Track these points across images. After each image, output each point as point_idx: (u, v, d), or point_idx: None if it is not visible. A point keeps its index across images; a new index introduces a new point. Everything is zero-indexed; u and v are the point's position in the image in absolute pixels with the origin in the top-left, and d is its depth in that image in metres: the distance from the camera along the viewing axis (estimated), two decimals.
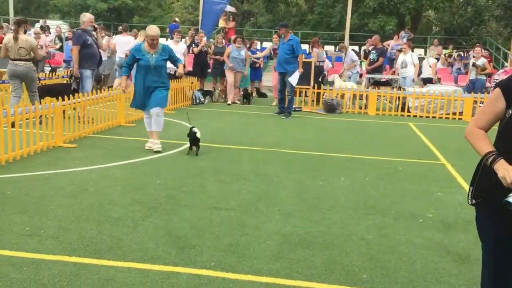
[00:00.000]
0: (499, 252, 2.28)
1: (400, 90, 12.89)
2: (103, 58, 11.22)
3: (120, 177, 5.71)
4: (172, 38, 13.54)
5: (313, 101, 13.03)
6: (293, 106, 11.79)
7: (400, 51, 14.66)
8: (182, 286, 3.21)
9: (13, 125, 6.34)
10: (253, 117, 11.12)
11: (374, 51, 14.21)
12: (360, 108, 13.02)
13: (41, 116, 7.20)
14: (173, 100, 11.73)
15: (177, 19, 24.15)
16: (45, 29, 20.17)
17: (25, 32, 8.82)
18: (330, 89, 12.92)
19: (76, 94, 8.02)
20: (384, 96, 12.96)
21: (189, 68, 13.97)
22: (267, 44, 20.36)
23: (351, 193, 5.49)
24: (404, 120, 11.84)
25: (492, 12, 25.71)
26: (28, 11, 34.56)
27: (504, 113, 2.24)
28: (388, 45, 18.60)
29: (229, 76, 13.12)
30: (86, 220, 4.29)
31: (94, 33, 9.17)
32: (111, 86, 11.90)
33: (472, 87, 13.47)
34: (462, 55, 19.61)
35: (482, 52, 14.58)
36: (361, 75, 15.82)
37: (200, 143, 7.00)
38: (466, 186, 5.92)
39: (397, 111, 12.71)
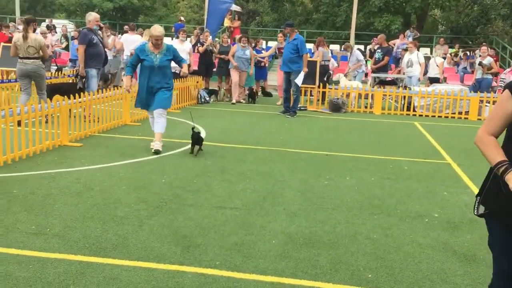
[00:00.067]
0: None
1: (405, 89, 12.85)
2: (109, 57, 11.26)
3: (125, 176, 5.72)
4: (177, 37, 13.55)
5: (318, 100, 13.01)
6: (298, 106, 11.77)
7: (406, 50, 14.61)
8: (187, 285, 3.22)
9: (19, 124, 6.37)
10: (258, 117, 11.12)
11: (379, 50, 14.17)
12: (366, 107, 12.99)
13: (47, 115, 7.22)
14: (179, 99, 11.75)
15: (182, 18, 24.18)
16: (51, 28, 20.23)
17: (34, 31, 8.88)
18: (335, 88, 12.89)
19: (81, 93, 8.04)
20: (389, 95, 12.92)
21: (195, 67, 13.97)
22: (272, 43, 20.37)
23: (356, 192, 5.48)
24: (409, 120, 11.80)
25: (498, 11, 25.58)
26: (34, 11, 34.73)
27: None
28: (394, 44, 18.55)
29: (234, 76, 13.11)
30: (92, 219, 4.30)
31: (100, 32, 9.19)
32: (117, 86, 11.92)
33: (478, 86, 13.42)
34: (468, 54, 19.53)
35: (488, 51, 14.51)
36: (366, 74, 15.78)
37: (206, 142, 7.00)
38: (472, 186, 5.90)
39: (403, 111, 12.67)
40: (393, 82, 14.15)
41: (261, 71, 14.53)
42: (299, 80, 11.08)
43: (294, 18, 27.96)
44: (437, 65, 14.74)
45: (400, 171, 6.57)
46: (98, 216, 4.38)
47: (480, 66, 13.51)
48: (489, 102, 12.37)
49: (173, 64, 7.40)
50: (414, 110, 12.62)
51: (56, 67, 14.47)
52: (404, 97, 12.67)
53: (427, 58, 15.98)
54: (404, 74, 13.97)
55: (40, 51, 8.50)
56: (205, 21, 18.56)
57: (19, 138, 6.27)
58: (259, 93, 14.69)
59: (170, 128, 8.59)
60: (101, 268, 3.39)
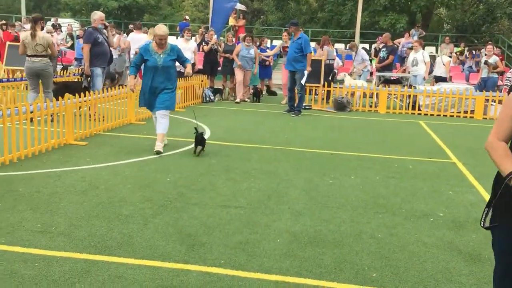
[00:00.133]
0: None
1: (411, 88, 12.81)
2: (114, 56, 11.28)
3: (130, 174, 5.73)
4: (182, 36, 13.57)
5: (323, 99, 12.99)
6: (303, 104, 11.76)
7: (411, 49, 14.57)
8: (192, 284, 3.22)
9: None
10: (263, 115, 11.12)
11: (384, 49, 14.13)
12: (371, 106, 12.96)
13: (52, 114, 7.25)
14: (183, 98, 11.77)
15: (187, 17, 24.22)
16: (56, 27, 20.31)
17: (42, 29, 8.94)
18: (340, 87, 12.87)
19: (87, 92, 8.07)
20: (394, 94, 12.88)
21: (199, 66, 14.00)
22: (277, 42, 20.36)
23: (361, 191, 5.47)
24: (414, 119, 11.77)
25: (504, 9, 25.46)
26: (40, 10, 34.83)
27: None
28: (399, 43, 18.50)
29: (238, 75, 13.11)
30: (97, 217, 4.31)
31: (105, 31, 9.22)
32: (122, 85, 11.95)
33: (484, 85, 13.36)
34: (474, 53, 19.46)
35: (494, 50, 14.44)
36: (371, 73, 15.75)
37: (210, 141, 7.00)
38: (478, 185, 5.88)
39: (408, 109, 12.64)
40: (398, 81, 14.11)
41: (266, 70, 14.52)
42: (303, 79, 11.07)
43: (299, 17, 27.93)
44: (443, 64, 14.69)
45: (405, 170, 6.55)
46: (103, 214, 4.40)
47: (485, 65, 13.46)
48: (494, 101, 12.32)
49: (177, 63, 7.38)
50: (419, 109, 12.58)
51: (61, 66, 14.52)
52: (409, 96, 12.63)
53: (433, 57, 15.93)
54: (409, 73, 13.93)
55: (48, 49, 8.57)
56: (210, 20, 18.56)
57: (24, 136, 6.30)
58: (264, 92, 14.68)
59: (175, 127, 8.61)
60: (106, 267, 3.40)
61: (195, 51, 13.14)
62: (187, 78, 10.99)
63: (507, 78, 13.12)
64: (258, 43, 14.78)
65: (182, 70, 10.25)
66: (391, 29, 22.87)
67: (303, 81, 11.09)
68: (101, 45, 8.96)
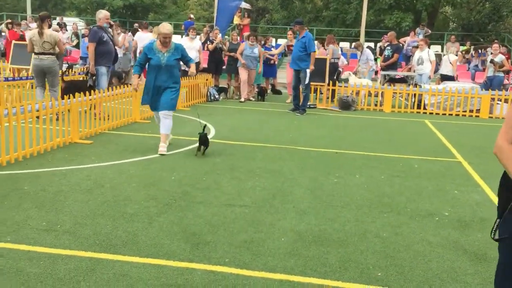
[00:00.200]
0: None
1: (416, 87, 12.77)
2: (119, 55, 11.30)
3: (135, 173, 5.74)
4: (187, 35, 13.59)
5: (328, 98, 12.97)
6: (308, 103, 11.75)
7: (416, 47, 14.52)
8: (197, 282, 3.22)
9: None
10: (267, 114, 11.11)
11: (389, 48, 14.10)
12: (376, 105, 12.93)
13: (57, 112, 7.27)
14: (188, 97, 11.78)
15: (192, 16, 24.22)
16: (61, 26, 20.37)
17: (49, 27, 9.00)
18: (345, 86, 12.85)
19: (92, 91, 8.10)
20: (400, 93, 12.84)
21: (204, 65, 14.01)
22: (282, 41, 20.34)
23: (366, 190, 5.46)
24: (420, 118, 11.73)
25: (510, 7, 25.35)
26: (45, 8, 34.92)
27: None
28: (404, 42, 18.44)
29: (242, 74, 13.10)
30: (102, 216, 4.32)
31: (110, 30, 9.23)
32: (127, 83, 11.98)
33: (490, 84, 13.30)
34: (480, 51, 19.38)
35: (500, 49, 14.37)
36: (376, 72, 15.71)
37: (215, 140, 6.98)
38: (483, 184, 5.85)
39: (413, 108, 12.59)
40: (404, 80, 14.07)
41: (270, 69, 14.51)
42: (306, 78, 11.04)
43: (303, 16, 27.90)
44: (450, 63, 14.63)
45: (410, 169, 6.53)
46: (108, 213, 4.41)
47: (491, 64, 13.39)
48: (500, 100, 12.26)
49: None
50: (424, 108, 12.54)
51: (67, 65, 14.57)
52: (415, 95, 12.59)
53: (438, 56, 15.86)
54: (414, 71, 13.89)
55: (56, 47, 8.64)
56: (215, 19, 18.57)
57: (30, 135, 6.32)
58: (269, 91, 14.67)
59: (179, 126, 8.62)
60: (111, 265, 3.41)
61: (200, 50, 13.15)
62: (192, 77, 10.99)
63: None
64: (263, 42, 14.77)
65: (186, 69, 10.27)
66: (396, 28, 22.81)
67: (306, 80, 11.06)
68: (106, 44, 8.98)
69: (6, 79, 9.98)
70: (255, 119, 10.32)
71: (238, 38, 14.52)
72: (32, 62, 8.70)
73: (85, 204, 4.62)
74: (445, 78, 14.54)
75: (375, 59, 15.93)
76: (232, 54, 13.56)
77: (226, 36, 17.53)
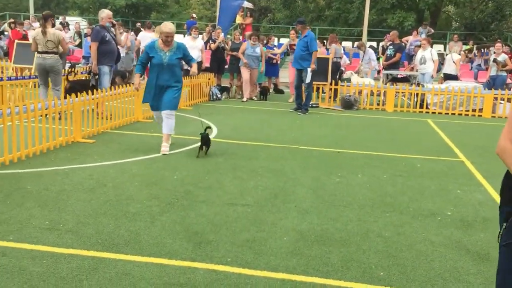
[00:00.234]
0: None
1: (418, 86, 12.75)
2: (121, 55, 11.31)
3: (137, 172, 5.75)
4: (189, 35, 13.59)
5: (330, 97, 12.95)
6: (310, 103, 11.74)
7: (419, 47, 14.49)
8: (199, 281, 3.23)
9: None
10: (269, 114, 11.11)
11: (391, 47, 14.08)
12: (378, 104, 12.91)
13: (60, 111, 7.29)
14: (190, 96, 11.79)
15: (194, 15, 24.24)
16: (64, 25, 20.40)
17: (53, 26, 9.04)
18: (347, 86, 12.83)
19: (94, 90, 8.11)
20: (402, 92, 12.83)
21: (206, 64, 14.01)
22: (284, 40, 20.31)
23: (368, 190, 5.45)
24: (422, 117, 11.71)
25: None
26: (48, 8, 34.96)
27: None
28: (407, 41, 18.41)
29: (244, 73, 13.10)
30: (104, 215, 4.33)
31: (112, 29, 9.24)
32: (129, 83, 11.99)
33: (493, 83, 13.27)
34: (483, 51, 19.33)
35: (503, 48, 14.34)
36: (379, 72, 15.70)
37: (217, 139, 6.98)
38: (486, 184, 5.84)
39: (416, 108, 12.57)
40: (406, 79, 14.04)
41: (273, 68, 14.50)
42: (307, 77, 11.03)
43: (306, 15, 27.88)
44: (453, 62, 14.59)
45: (413, 168, 6.52)
46: (111, 212, 4.41)
47: (494, 63, 13.36)
48: (503, 100, 12.23)
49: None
50: (427, 108, 12.52)
51: (69, 64, 14.59)
52: (417, 94, 12.57)
53: (441, 55, 15.83)
54: (417, 71, 13.86)
55: (59, 46, 8.67)
56: (217, 18, 18.58)
57: (33, 134, 6.33)
58: (271, 90, 14.67)
59: (182, 125, 8.63)
60: (114, 264, 3.41)
61: (202, 49, 13.16)
62: (194, 76, 11.00)
63: None
64: (265, 41, 14.76)
65: (188, 68, 10.28)
66: (399, 27, 22.77)
67: (307, 80, 11.04)
68: (109, 43, 8.99)
69: (9, 78, 9.99)
70: (257, 118, 10.32)
71: (241, 37, 14.51)
72: (36, 61, 8.76)
73: (87, 203, 4.62)
74: (448, 77, 14.50)
75: (378, 59, 15.91)
76: (234, 53, 13.56)
77: (228, 36, 17.54)
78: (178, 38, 11.36)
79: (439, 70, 14.60)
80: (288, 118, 10.59)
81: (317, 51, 11.26)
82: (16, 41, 13.75)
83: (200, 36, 14.84)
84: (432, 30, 21.57)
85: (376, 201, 5.08)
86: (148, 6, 31.15)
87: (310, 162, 6.61)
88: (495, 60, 13.35)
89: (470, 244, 4.06)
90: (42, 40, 8.56)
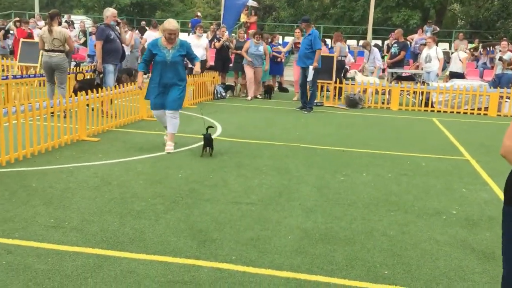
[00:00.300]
0: None
1: (424, 85, 12.71)
2: (126, 53, 11.33)
3: (142, 170, 5.76)
4: (194, 33, 13.60)
5: (335, 96, 12.93)
6: (315, 101, 11.72)
7: (424, 45, 14.44)
8: (203, 279, 3.23)
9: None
10: (274, 112, 11.10)
11: (396, 45, 14.03)
12: (383, 103, 12.88)
13: (65, 110, 7.31)
14: (195, 95, 11.79)
15: (199, 13, 24.25)
16: (69, 24, 20.45)
17: (59, 24, 9.07)
18: (352, 84, 12.80)
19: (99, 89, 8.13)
20: (407, 91, 12.79)
21: (211, 62, 14.01)
22: (289, 39, 20.30)
23: (373, 188, 5.44)
24: (427, 116, 11.67)
25: None
26: (53, 6, 35.07)
27: None
28: (412, 39, 18.35)
29: (248, 72, 13.09)
30: (109, 213, 4.34)
31: (117, 28, 9.26)
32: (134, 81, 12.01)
33: (498, 82, 13.21)
34: (488, 49, 19.24)
35: (508, 46, 14.26)
36: (383, 70, 15.66)
37: (222, 138, 6.97)
38: (491, 183, 5.82)
39: (421, 106, 12.53)
40: (411, 78, 14.00)
41: (277, 66, 14.47)
42: (309, 75, 10.99)
43: (311, 13, 27.84)
44: (460, 60, 14.53)
45: (418, 167, 6.50)
46: (116, 210, 4.42)
47: (500, 61, 13.30)
48: (509, 98, 12.18)
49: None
50: (432, 106, 12.47)
51: (74, 63, 14.64)
52: (422, 92, 12.53)
53: (446, 53, 15.77)
54: (422, 69, 13.82)
55: (65, 44, 8.73)
56: (222, 17, 18.58)
57: (38, 132, 6.35)
58: (276, 89, 14.65)
59: (186, 123, 8.64)
60: (118, 262, 3.42)
61: (207, 47, 13.16)
62: (198, 75, 11.00)
63: None
64: (269, 40, 14.74)
65: (193, 67, 10.28)
66: (404, 25, 22.71)
67: (309, 78, 11.01)
68: (114, 42, 9.00)
69: (14, 77, 10.03)
70: (262, 117, 10.31)
71: (245, 36, 14.50)
72: (42, 59, 8.84)
73: (92, 201, 4.64)
74: (454, 75, 14.45)
75: (382, 57, 15.86)
76: (239, 52, 13.55)
77: (233, 34, 17.53)
78: (183, 37, 11.37)
79: (444, 68, 14.53)
80: (293, 116, 10.58)
81: (320, 49, 11.22)
82: (21, 39, 13.79)
83: (205, 34, 14.84)
84: (438, 29, 21.49)
85: (380, 199, 5.07)
86: (152, 4, 31.20)
87: (314, 161, 6.61)
88: (500, 59, 13.28)
89: (476, 243, 4.04)
90: (48, 38, 8.62)
